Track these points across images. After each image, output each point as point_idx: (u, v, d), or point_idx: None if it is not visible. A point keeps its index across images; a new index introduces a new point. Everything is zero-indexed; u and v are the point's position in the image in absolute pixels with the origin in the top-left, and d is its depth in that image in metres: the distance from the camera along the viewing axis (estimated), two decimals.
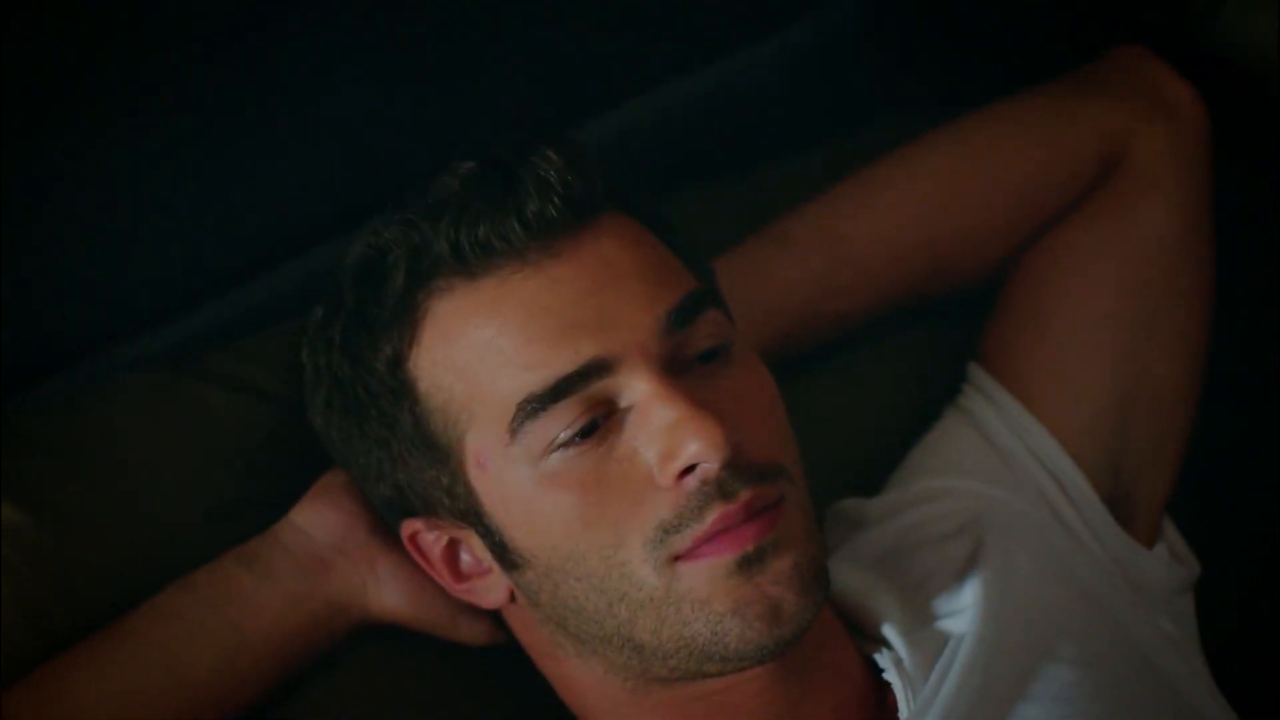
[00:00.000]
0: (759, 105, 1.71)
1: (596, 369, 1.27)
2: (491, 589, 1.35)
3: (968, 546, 1.42)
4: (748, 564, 1.26)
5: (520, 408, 1.27)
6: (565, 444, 1.27)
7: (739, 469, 1.26)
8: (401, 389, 1.32)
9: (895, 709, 1.35)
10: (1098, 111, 1.58)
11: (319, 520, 1.40)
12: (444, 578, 1.36)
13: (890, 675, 1.36)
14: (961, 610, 1.38)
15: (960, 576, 1.40)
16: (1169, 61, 1.61)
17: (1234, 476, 1.64)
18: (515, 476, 1.28)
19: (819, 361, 1.60)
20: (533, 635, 1.37)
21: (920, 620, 1.39)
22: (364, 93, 1.52)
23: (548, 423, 1.27)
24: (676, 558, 1.26)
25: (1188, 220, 1.56)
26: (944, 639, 1.37)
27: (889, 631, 1.38)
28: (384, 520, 1.39)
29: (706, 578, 1.26)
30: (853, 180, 1.58)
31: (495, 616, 1.40)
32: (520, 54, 1.58)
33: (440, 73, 1.54)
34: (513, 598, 1.35)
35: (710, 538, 1.26)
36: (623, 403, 1.28)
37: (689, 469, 1.26)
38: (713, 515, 1.25)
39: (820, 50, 1.72)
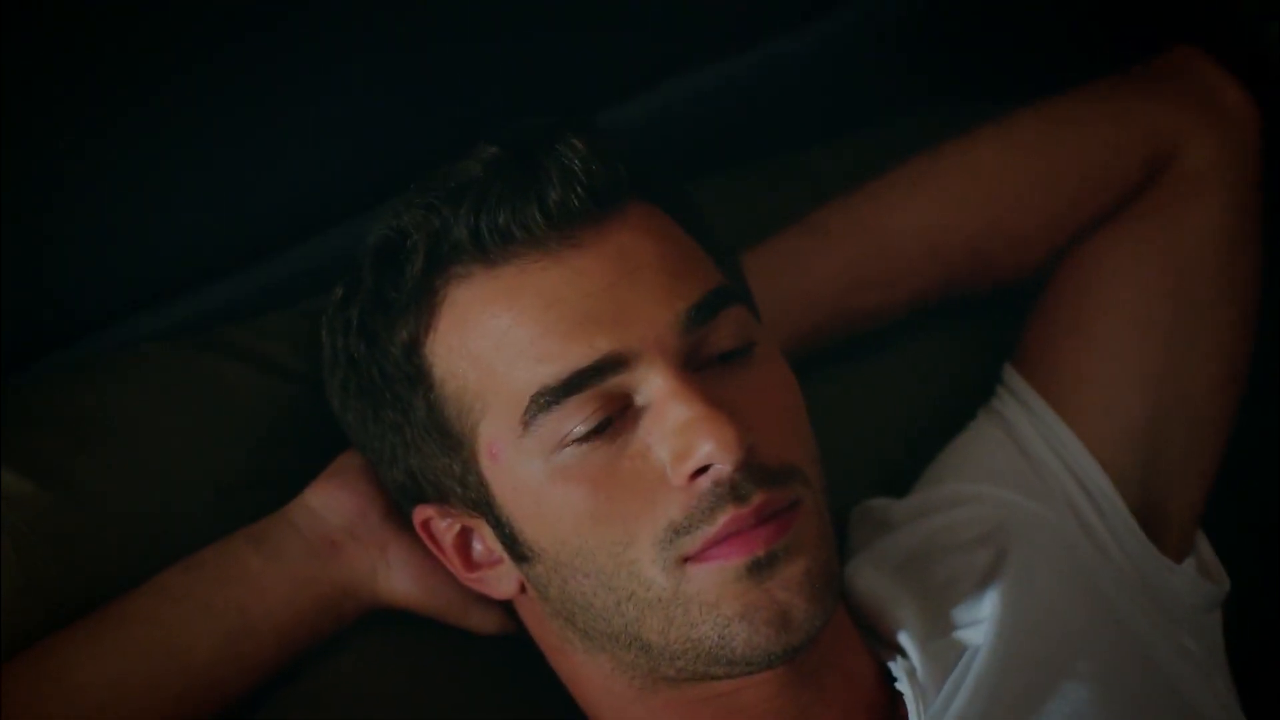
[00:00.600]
0: (799, 91, 1.68)
1: (612, 364, 1.24)
2: (502, 579, 1.33)
3: (990, 556, 1.40)
4: (758, 568, 1.24)
5: (533, 400, 1.25)
6: (579, 439, 1.25)
7: (753, 471, 1.24)
8: (417, 374, 1.30)
9: (907, 718, 1.33)
10: (1149, 112, 1.55)
11: (332, 502, 1.38)
12: (455, 566, 1.35)
13: (902, 685, 1.33)
14: (980, 621, 1.36)
15: (981, 586, 1.38)
16: (1224, 64, 1.57)
17: (1260, 487, 1.61)
18: (527, 469, 1.27)
19: (852, 356, 1.57)
20: (542, 628, 1.35)
21: (937, 629, 1.36)
22: (389, 69, 1.50)
23: (561, 416, 1.25)
24: (686, 559, 1.24)
25: (1235, 227, 1.53)
26: (960, 650, 1.35)
27: (905, 639, 1.35)
28: (398, 505, 1.37)
29: (715, 580, 1.24)
30: (894, 173, 1.55)
31: (508, 606, 1.38)
32: (554, 33, 1.56)
33: (469, 47, 1.52)
34: (523, 589, 1.33)
35: (721, 540, 1.24)
36: (639, 399, 1.25)
37: (702, 469, 1.23)
38: (724, 518, 1.23)
39: (863, 37, 1.70)
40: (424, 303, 1.30)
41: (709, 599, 1.24)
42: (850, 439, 1.55)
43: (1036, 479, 1.46)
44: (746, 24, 1.65)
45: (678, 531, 1.24)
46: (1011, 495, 1.45)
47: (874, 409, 1.59)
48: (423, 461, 1.32)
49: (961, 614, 1.37)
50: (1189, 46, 1.59)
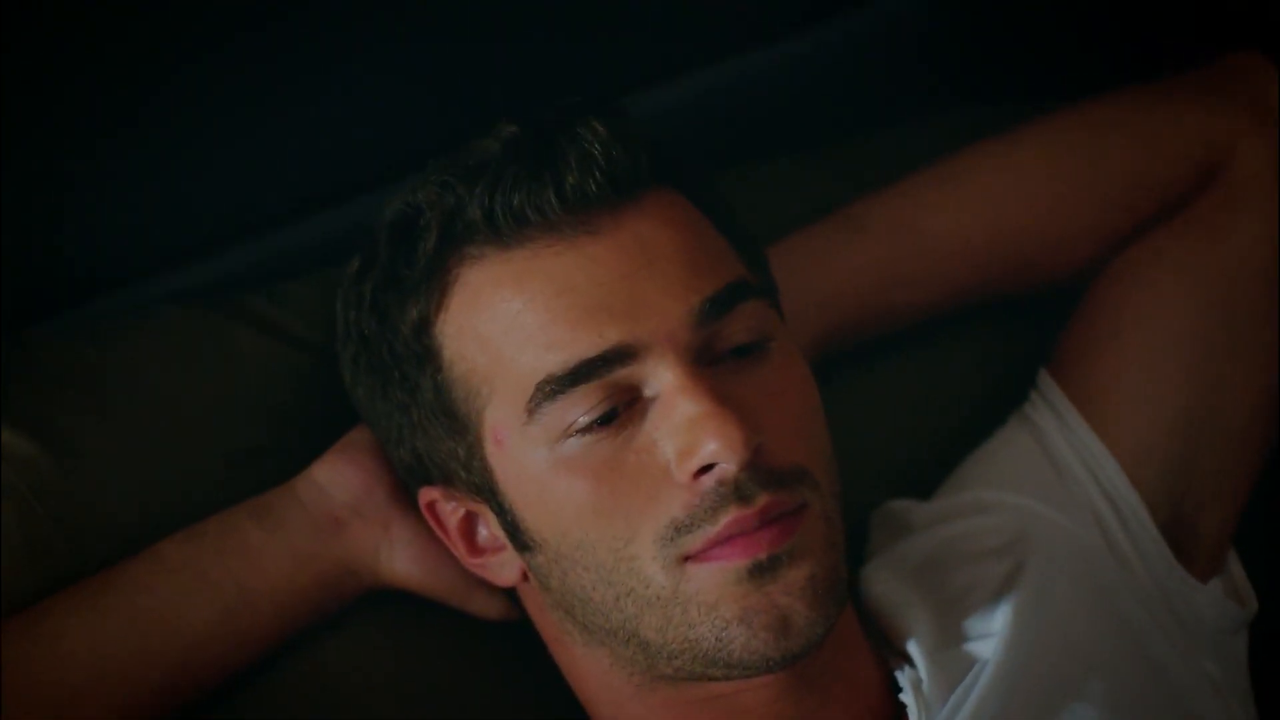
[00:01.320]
0: (842, 80, 1.65)
1: (620, 355, 1.22)
2: (505, 567, 1.31)
3: (1008, 567, 1.36)
4: (759, 571, 1.21)
5: (539, 388, 1.23)
6: (583, 430, 1.22)
7: (759, 472, 1.21)
8: (425, 354, 1.28)
9: None
10: (1202, 116, 1.50)
11: (339, 478, 1.36)
12: (459, 550, 1.33)
13: (906, 696, 1.30)
14: (992, 634, 1.33)
15: (995, 598, 1.35)
16: None
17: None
18: (531, 457, 1.24)
19: (885, 354, 1.54)
20: (543, 618, 1.33)
21: (948, 640, 1.33)
22: (423, 40, 1.48)
23: (566, 406, 1.22)
24: (687, 558, 1.22)
25: None
26: (970, 663, 1.31)
27: (913, 649, 1.32)
28: (405, 484, 1.35)
29: (715, 581, 1.21)
30: (934, 169, 1.51)
31: (511, 594, 1.36)
32: (590, 17, 1.53)
33: (504, 23, 1.50)
34: (526, 578, 1.31)
35: (722, 541, 1.21)
36: (647, 391, 1.23)
37: (707, 468, 1.21)
38: (726, 518, 1.21)
39: (906, 28, 1.66)
40: (435, 282, 1.27)
41: (708, 600, 1.22)
42: (881, 438, 1.52)
43: (1063, 490, 1.42)
44: (777, 16, 1.62)
45: (679, 529, 1.21)
46: (1035, 505, 1.41)
47: (906, 408, 1.55)
48: (429, 443, 1.30)
49: (974, 626, 1.34)
50: (1250, 51, 1.54)
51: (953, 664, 1.31)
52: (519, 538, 1.27)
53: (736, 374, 1.24)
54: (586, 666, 1.31)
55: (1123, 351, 1.46)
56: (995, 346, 1.56)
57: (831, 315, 1.47)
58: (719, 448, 1.20)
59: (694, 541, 1.21)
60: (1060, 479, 1.42)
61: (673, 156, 1.30)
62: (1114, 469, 1.42)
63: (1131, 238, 1.49)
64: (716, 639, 1.22)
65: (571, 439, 1.23)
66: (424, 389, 1.29)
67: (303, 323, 1.43)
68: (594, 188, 1.24)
